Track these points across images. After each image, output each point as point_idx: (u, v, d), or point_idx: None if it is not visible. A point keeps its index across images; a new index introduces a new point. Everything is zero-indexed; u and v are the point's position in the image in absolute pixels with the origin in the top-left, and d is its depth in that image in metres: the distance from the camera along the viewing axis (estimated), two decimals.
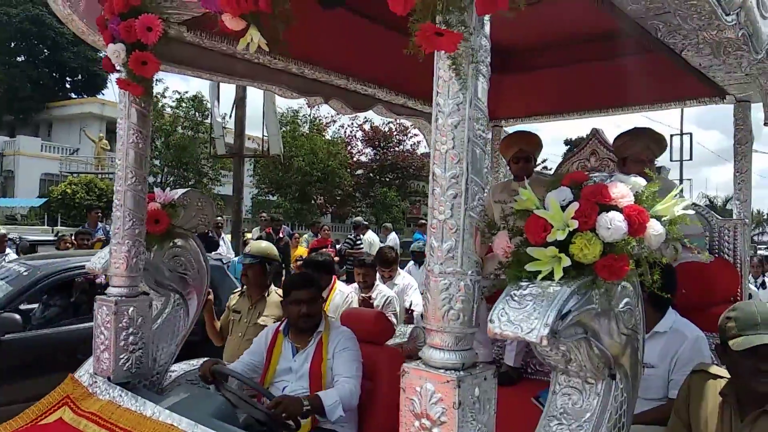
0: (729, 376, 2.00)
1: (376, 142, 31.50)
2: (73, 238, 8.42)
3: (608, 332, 1.49)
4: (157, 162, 30.99)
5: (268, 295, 3.75)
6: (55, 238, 9.45)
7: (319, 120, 33.09)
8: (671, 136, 26.40)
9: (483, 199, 1.51)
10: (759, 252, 16.13)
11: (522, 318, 1.36)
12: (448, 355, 1.46)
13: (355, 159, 32.51)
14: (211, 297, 3.74)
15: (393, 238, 12.95)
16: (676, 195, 1.57)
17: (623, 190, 1.48)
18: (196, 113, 31.09)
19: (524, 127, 4.60)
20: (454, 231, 1.46)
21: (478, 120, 1.50)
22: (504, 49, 4.23)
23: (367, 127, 31.88)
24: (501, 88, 4.34)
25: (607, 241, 1.43)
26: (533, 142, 3.94)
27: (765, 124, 3.19)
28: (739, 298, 3.50)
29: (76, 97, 37.60)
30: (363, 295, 4.58)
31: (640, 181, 1.57)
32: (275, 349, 2.86)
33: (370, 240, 11.37)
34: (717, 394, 2.00)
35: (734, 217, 3.60)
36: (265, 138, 17.32)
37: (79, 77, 38.03)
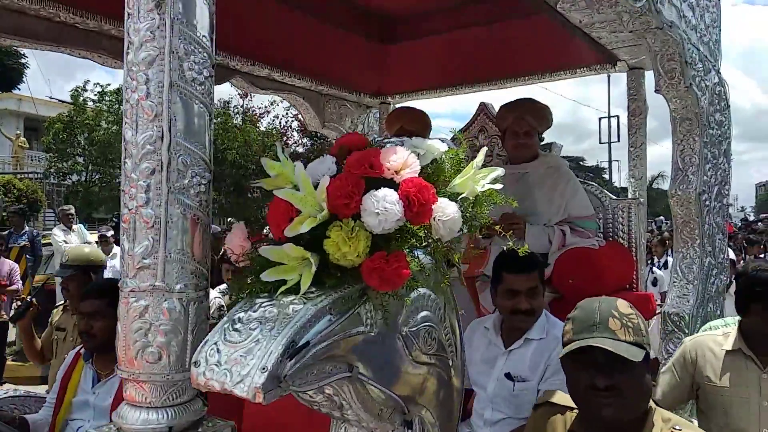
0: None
1: (313, 132, 30.61)
2: None
3: (392, 364, 1.02)
4: (80, 159, 29.12)
5: None
6: None
7: (252, 111, 31.96)
8: (599, 119, 27.03)
9: (206, 178, 1.02)
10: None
11: (237, 358, 0.87)
12: (146, 415, 0.96)
13: (291, 150, 31.66)
14: (32, 310, 3.12)
15: None
16: (477, 164, 1.10)
17: (404, 157, 1.01)
18: (121, 107, 29.28)
19: (415, 103, 4.16)
20: (151, 225, 0.96)
21: (190, 55, 1.00)
22: (386, 16, 3.76)
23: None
24: (385, 60, 3.87)
25: (377, 232, 0.96)
26: (418, 120, 3.49)
27: (656, 91, 2.85)
28: (635, 285, 3.18)
29: None
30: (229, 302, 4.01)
31: (437, 146, 1.10)
32: (72, 377, 2.28)
33: None
34: None
35: (629, 195, 3.27)
36: None
37: None
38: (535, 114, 3.01)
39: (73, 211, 8.59)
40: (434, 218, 0.99)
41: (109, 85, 30.15)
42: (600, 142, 27.43)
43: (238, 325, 0.92)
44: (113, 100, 29.44)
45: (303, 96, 3.68)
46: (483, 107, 3.53)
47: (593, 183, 3.30)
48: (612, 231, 3.19)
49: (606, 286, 2.79)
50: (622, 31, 2.65)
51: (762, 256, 8.54)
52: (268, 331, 0.88)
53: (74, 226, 8.32)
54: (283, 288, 0.95)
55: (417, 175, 1.00)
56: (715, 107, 3.07)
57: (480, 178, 1.08)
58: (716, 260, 3.18)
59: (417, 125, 3.48)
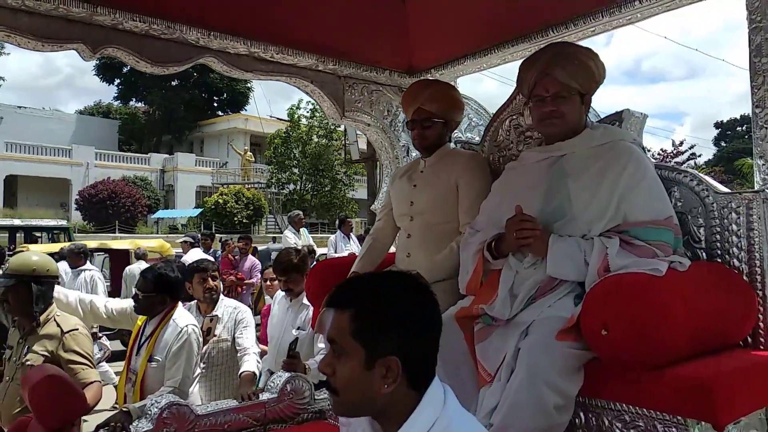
0: None
1: None
2: (236, 242, 9.02)
3: None
4: (295, 170, 32.34)
5: (38, 325, 2.81)
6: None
7: None
8: None
9: None
10: None
11: None
12: None
13: None
14: None
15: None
16: None
17: None
18: (329, 122, 31.90)
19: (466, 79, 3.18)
20: None
21: None
22: None
23: None
24: (409, 20, 2.99)
25: None
26: (440, 97, 2.58)
27: None
28: (762, 337, 1.85)
29: (222, 114, 40.66)
30: (209, 314, 3.44)
31: None
32: None
33: None
34: None
35: (756, 186, 1.95)
36: None
37: (225, 96, 41.15)
38: (571, 63, 1.95)
39: (302, 216, 9.77)
40: None
41: None
42: None
43: None
44: (323, 116, 32.10)
45: (311, 79, 2.98)
46: None
47: (687, 170, 2.04)
48: (720, 246, 1.92)
49: (675, 341, 1.63)
50: None
51: None
52: None
53: (301, 229, 9.43)
54: None
55: None
56: None
57: None
58: None
59: (439, 104, 2.57)
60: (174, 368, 2.94)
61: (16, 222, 16.00)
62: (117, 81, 39.39)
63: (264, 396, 2.88)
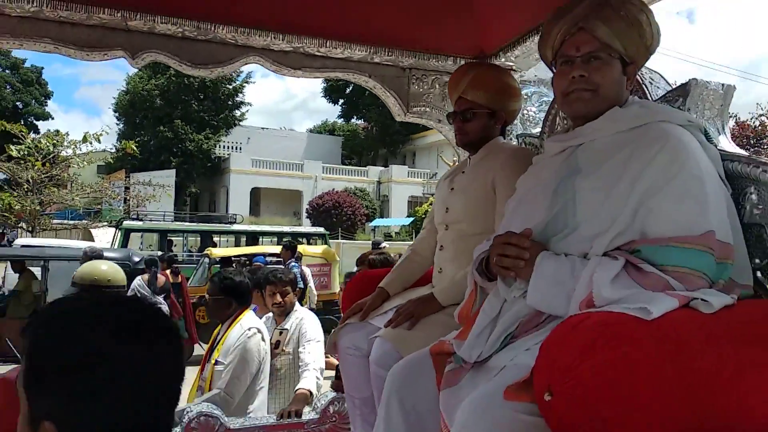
0: None
1: (744, 141, 24.54)
2: None
3: None
4: None
5: None
6: None
7: None
8: None
9: None
10: None
11: None
12: None
13: None
14: None
15: None
16: None
17: None
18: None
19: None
20: None
21: None
22: None
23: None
24: None
25: None
26: (484, 83, 2.13)
27: None
28: None
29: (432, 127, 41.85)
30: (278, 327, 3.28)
31: None
32: None
33: None
34: None
35: None
36: None
37: None
38: (616, 16, 1.44)
39: None
40: None
41: None
42: None
43: None
44: None
45: (369, 73, 2.72)
46: None
47: (738, 152, 1.34)
48: None
49: (648, 423, 1.06)
50: None
51: None
52: None
53: None
54: None
55: None
56: None
57: None
58: None
59: (483, 91, 2.13)
60: (226, 370, 2.90)
61: (285, 229, 18.43)
62: (341, 101, 43.03)
63: (305, 416, 2.70)
